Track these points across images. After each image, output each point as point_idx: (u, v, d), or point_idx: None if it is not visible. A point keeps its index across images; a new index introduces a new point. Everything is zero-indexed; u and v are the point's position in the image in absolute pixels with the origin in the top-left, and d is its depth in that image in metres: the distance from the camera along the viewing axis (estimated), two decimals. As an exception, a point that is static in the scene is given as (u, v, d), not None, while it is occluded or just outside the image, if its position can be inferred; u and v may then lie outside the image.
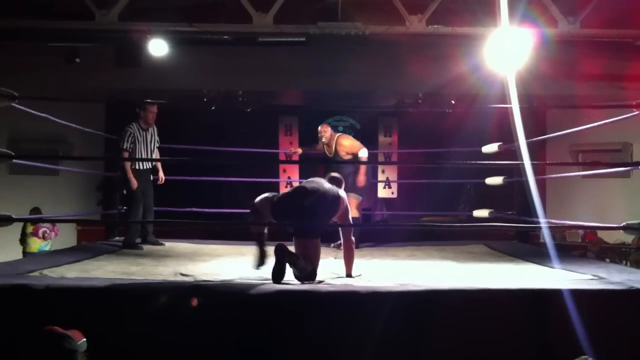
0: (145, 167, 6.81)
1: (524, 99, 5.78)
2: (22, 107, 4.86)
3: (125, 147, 6.61)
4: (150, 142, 6.76)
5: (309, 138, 11.88)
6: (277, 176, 11.42)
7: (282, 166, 11.63)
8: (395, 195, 11.92)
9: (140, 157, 6.68)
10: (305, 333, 3.61)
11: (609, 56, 9.09)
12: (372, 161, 12.45)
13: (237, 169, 9.03)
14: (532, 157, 5.47)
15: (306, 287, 3.99)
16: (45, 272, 4.46)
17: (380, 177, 11.79)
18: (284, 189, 11.50)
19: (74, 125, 5.96)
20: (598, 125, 5.56)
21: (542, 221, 5.59)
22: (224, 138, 8.55)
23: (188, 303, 3.55)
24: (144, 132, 6.74)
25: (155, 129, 6.88)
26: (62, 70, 9.63)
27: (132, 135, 6.68)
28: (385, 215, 11.91)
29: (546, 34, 7.59)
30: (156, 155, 6.90)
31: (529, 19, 6.99)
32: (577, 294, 3.66)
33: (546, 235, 5.73)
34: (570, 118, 7.73)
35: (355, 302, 3.71)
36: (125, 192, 6.78)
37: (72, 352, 2.21)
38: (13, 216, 4.58)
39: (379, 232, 8.39)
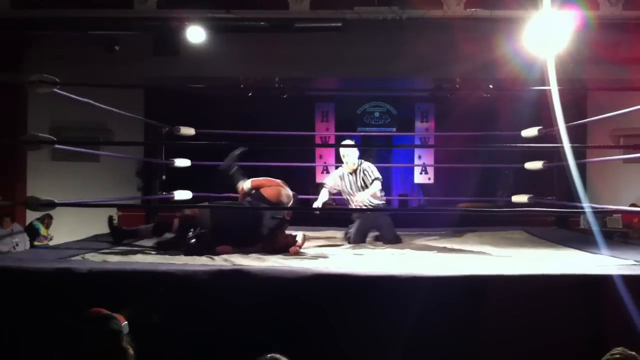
0: None
1: (564, 83, 5.68)
2: (65, 93, 4.94)
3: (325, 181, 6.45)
4: (356, 182, 6.29)
5: (346, 124, 11.92)
6: (314, 161, 11.44)
7: (317, 151, 11.64)
8: (431, 181, 11.87)
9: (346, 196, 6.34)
10: (341, 318, 3.62)
11: (652, 38, 8.90)
12: (409, 145, 12.46)
13: (273, 154, 9.06)
14: (573, 141, 5.38)
15: (343, 271, 3.99)
16: (88, 256, 4.53)
17: (417, 162, 11.74)
18: (320, 175, 11.56)
19: (115, 110, 6.03)
20: (640, 109, 5.43)
21: (585, 206, 5.49)
22: (260, 125, 8.56)
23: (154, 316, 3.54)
24: (349, 175, 6.31)
25: (362, 172, 6.29)
26: (101, 59, 9.78)
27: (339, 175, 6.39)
28: (422, 201, 11.86)
29: (588, 16, 7.46)
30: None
31: (570, 1, 6.87)
32: (624, 279, 3.61)
33: (590, 220, 5.63)
34: (611, 102, 7.59)
35: (392, 286, 3.71)
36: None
37: (119, 332, 2.25)
38: (55, 201, 4.69)
39: (416, 217, 8.34)
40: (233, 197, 5.74)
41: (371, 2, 8.41)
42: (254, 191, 5.49)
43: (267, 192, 5.39)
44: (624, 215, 10.07)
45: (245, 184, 5.57)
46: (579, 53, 8.35)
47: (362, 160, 6.22)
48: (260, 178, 5.63)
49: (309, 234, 6.20)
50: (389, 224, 6.15)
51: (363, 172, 6.15)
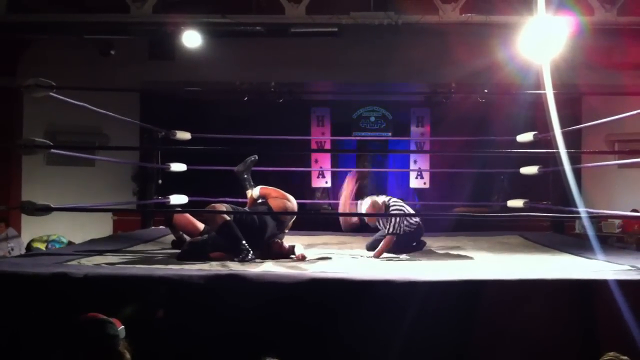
0: None
1: (559, 88, 5.69)
2: (60, 97, 4.94)
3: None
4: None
5: (341, 129, 11.93)
6: (309, 166, 11.44)
7: (313, 156, 11.64)
8: (427, 186, 11.86)
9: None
10: (338, 322, 3.62)
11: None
12: (405, 150, 12.48)
13: (268, 159, 9.04)
14: (568, 147, 5.39)
15: (339, 275, 3.99)
16: (84, 261, 4.53)
17: (412, 167, 11.74)
18: (316, 179, 11.56)
19: (110, 114, 6.02)
20: (635, 114, 5.44)
21: (581, 211, 5.51)
22: (256, 130, 8.54)
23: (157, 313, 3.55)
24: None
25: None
26: (97, 63, 9.78)
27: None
28: (417, 206, 11.84)
29: (583, 22, 7.48)
30: None
31: (565, 7, 6.89)
32: (619, 284, 3.62)
33: (586, 226, 5.65)
34: (606, 107, 7.61)
35: (389, 291, 3.71)
36: None
37: (115, 337, 2.26)
38: (52, 205, 4.68)
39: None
40: (230, 201, 5.72)
41: (367, 8, 8.41)
42: (260, 200, 5.50)
43: (272, 203, 5.38)
44: (623, 222, 10.09)
45: (254, 191, 5.57)
46: (573, 58, 8.37)
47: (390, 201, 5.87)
48: (270, 187, 5.62)
49: (305, 238, 6.21)
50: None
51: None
